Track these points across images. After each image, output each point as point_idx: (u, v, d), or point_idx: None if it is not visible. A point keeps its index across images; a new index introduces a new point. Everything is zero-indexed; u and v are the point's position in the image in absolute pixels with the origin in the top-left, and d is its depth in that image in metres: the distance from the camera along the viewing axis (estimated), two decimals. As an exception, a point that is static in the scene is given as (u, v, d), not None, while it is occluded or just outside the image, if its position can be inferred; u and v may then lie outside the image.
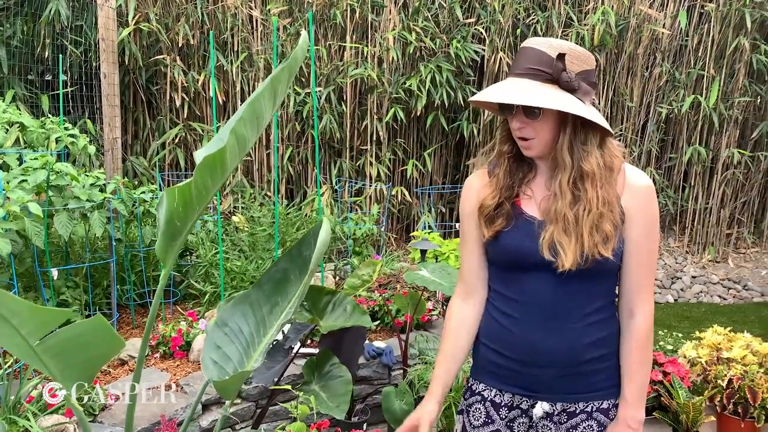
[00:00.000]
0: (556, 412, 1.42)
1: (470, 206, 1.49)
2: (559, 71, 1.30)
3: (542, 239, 1.34)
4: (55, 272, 3.11)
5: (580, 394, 1.41)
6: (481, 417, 1.49)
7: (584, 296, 1.38)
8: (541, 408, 1.42)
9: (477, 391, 1.50)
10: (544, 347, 1.38)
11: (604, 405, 1.43)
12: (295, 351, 2.41)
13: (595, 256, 1.31)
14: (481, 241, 1.47)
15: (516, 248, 1.38)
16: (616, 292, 1.44)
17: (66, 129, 3.69)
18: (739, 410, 2.97)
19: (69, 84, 5.47)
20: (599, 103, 6.11)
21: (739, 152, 6.10)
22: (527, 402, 1.44)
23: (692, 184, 6.36)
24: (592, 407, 1.42)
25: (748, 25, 5.78)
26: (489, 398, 1.48)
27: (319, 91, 5.77)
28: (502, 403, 1.46)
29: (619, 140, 6.24)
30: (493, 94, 1.33)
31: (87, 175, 3.24)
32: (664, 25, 6.04)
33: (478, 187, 1.48)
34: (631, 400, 1.40)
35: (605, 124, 1.31)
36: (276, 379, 2.32)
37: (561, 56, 1.30)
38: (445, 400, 1.54)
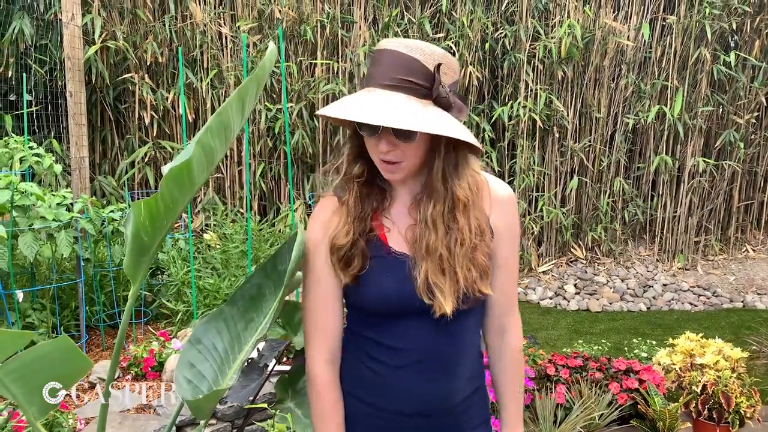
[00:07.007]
0: None
1: (316, 243, 1.25)
2: (438, 86, 1.10)
3: (418, 282, 1.16)
4: (20, 294, 3.02)
5: None
6: None
7: (464, 334, 1.25)
8: None
9: None
10: (421, 393, 1.22)
11: None
12: (270, 369, 2.37)
13: (475, 294, 1.18)
14: (339, 288, 1.25)
15: (392, 293, 1.19)
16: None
17: (31, 149, 3.61)
18: (714, 416, 3.00)
19: (34, 103, 5.36)
20: (568, 115, 6.20)
21: (704, 161, 6.24)
22: None
23: (660, 192, 6.47)
24: None
25: (709, 36, 5.94)
26: None
27: (291, 106, 5.75)
28: None
29: (588, 151, 6.34)
30: (362, 110, 1.07)
31: (53, 195, 3.17)
32: (628, 37, 6.17)
33: (325, 219, 1.25)
34: (513, 422, 1.32)
35: (479, 144, 1.14)
36: (252, 398, 2.27)
37: (438, 67, 1.10)
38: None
